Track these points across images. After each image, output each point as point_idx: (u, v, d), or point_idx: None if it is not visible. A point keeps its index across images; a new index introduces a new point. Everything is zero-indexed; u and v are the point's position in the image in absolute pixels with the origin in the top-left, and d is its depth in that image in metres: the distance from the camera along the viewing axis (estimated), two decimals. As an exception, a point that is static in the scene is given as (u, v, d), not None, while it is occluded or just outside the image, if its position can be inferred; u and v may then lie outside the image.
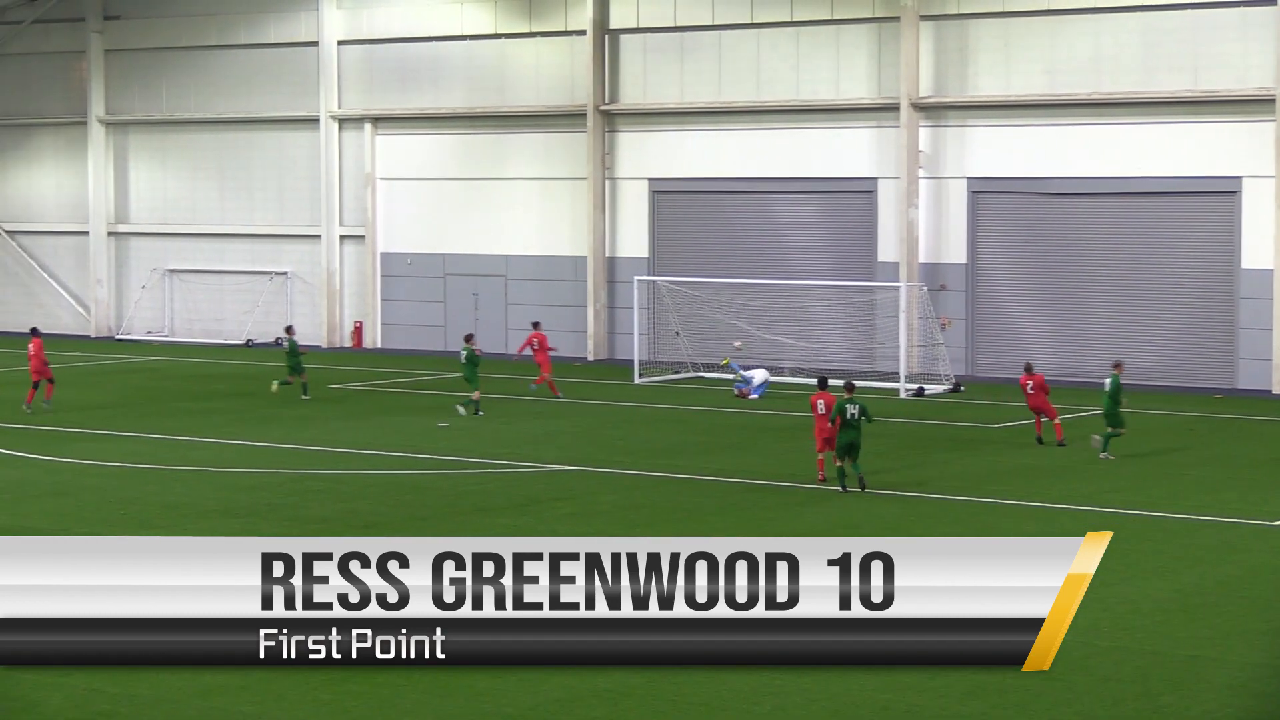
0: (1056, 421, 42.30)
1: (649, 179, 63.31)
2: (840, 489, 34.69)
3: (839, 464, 34.84)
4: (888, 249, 59.16)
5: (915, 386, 53.67)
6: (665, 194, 63.19)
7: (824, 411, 35.68)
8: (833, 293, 59.16)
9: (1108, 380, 40.62)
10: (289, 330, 53.66)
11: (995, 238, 58.22)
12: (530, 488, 35.71)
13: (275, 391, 51.96)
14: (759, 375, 53.09)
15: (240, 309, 71.25)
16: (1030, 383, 42.69)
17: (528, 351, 53.24)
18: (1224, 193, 54.47)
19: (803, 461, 37.71)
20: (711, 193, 62.31)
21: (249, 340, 70.28)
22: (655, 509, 33.27)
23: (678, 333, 59.04)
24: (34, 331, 51.26)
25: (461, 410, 47.31)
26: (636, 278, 60.08)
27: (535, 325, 55.17)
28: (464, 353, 48.66)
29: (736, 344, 56.00)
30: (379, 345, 68.39)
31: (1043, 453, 41.30)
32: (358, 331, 68.78)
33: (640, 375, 56.79)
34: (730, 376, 54.31)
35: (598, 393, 53.90)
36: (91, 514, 32.58)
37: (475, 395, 47.44)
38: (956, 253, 58.47)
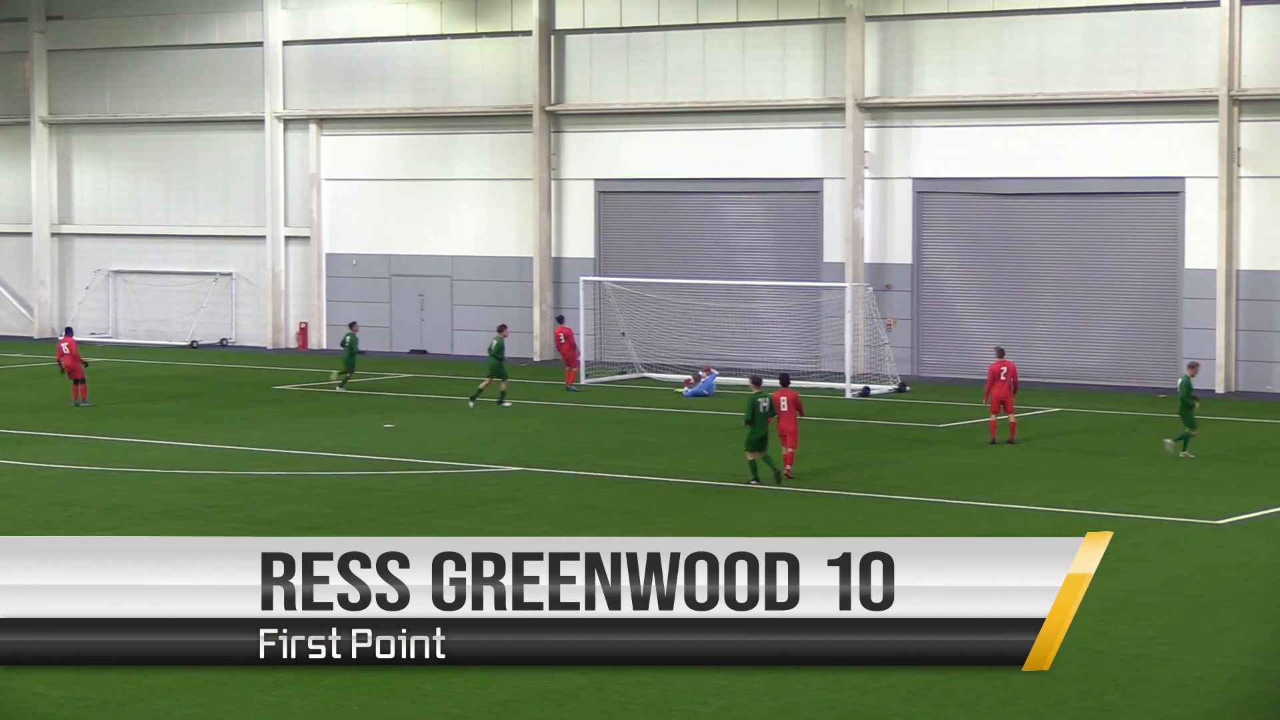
0: (1013, 419, 42.32)
1: (595, 179, 63.27)
2: (754, 481, 35.18)
3: (751, 458, 35.22)
4: (833, 249, 59.21)
5: (861, 387, 53.74)
6: (611, 194, 63.14)
7: (786, 409, 36.05)
8: (778, 293, 59.26)
9: (1179, 381, 40.92)
10: (353, 326, 55.68)
11: (941, 238, 58.36)
12: (477, 488, 35.60)
13: (337, 383, 53.80)
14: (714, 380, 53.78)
15: (185, 310, 70.86)
16: (1004, 369, 42.52)
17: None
18: (1168, 193, 54.70)
19: (734, 464, 37.64)
20: (657, 193, 62.27)
21: (193, 341, 69.92)
22: (602, 509, 33.23)
23: (624, 333, 58.99)
24: (68, 331, 53.15)
25: (508, 404, 49.32)
26: (582, 278, 60.02)
27: (560, 320, 57.24)
28: (495, 342, 50.47)
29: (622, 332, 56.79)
30: (324, 346, 68.12)
31: (989, 452, 41.39)
32: (303, 332, 68.50)
33: (586, 376, 56.74)
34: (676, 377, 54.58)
35: (544, 394, 53.83)
36: (34, 516, 32.38)
37: (504, 385, 49.54)
38: (902, 253, 58.58)
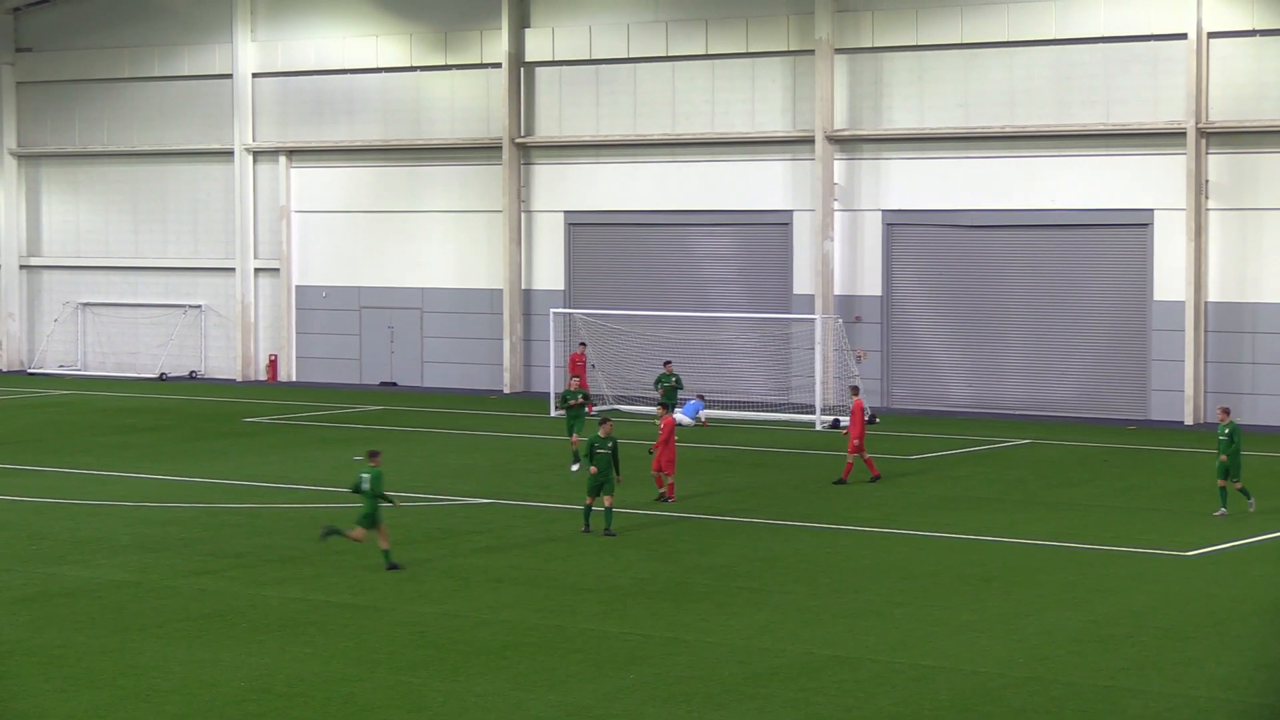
0: (868, 457, 41.39)
1: (565, 211, 63.26)
2: (584, 529, 33.95)
3: (590, 503, 34.10)
4: (803, 281, 59.29)
5: (831, 418, 53.73)
6: (581, 226, 63.14)
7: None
8: (748, 325, 59.32)
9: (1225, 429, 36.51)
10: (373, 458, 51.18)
11: (910, 270, 58.42)
12: (446, 520, 35.53)
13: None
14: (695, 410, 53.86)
15: (154, 342, 70.63)
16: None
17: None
18: (1136, 225, 54.83)
19: (704, 495, 37.61)
20: (627, 225, 62.27)
21: (163, 374, 69.70)
22: (572, 542, 33.20)
23: (594, 365, 58.90)
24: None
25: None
26: (552, 310, 60.01)
27: (582, 345, 57.34)
28: (666, 379, 50.90)
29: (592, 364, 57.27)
30: (294, 378, 67.94)
31: (959, 484, 41.42)
32: (273, 365, 68.33)
33: (556, 408, 56.33)
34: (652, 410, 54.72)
35: (514, 425, 53.76)
36: (2, 549, 32.22)
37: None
38: (872, 285, 58.62)
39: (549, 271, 63.65)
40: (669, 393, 50.41)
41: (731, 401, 56.66)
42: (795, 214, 59.47)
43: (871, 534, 34.27)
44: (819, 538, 33.84)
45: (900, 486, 41.00)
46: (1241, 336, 53.70)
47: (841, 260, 58.82)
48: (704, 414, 53.75)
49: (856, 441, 41.02)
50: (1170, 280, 54.34)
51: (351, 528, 30.39)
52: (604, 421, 34.43)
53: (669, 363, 51.57)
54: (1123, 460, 45.33)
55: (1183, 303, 53.95)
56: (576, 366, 55.97)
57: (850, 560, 31.44)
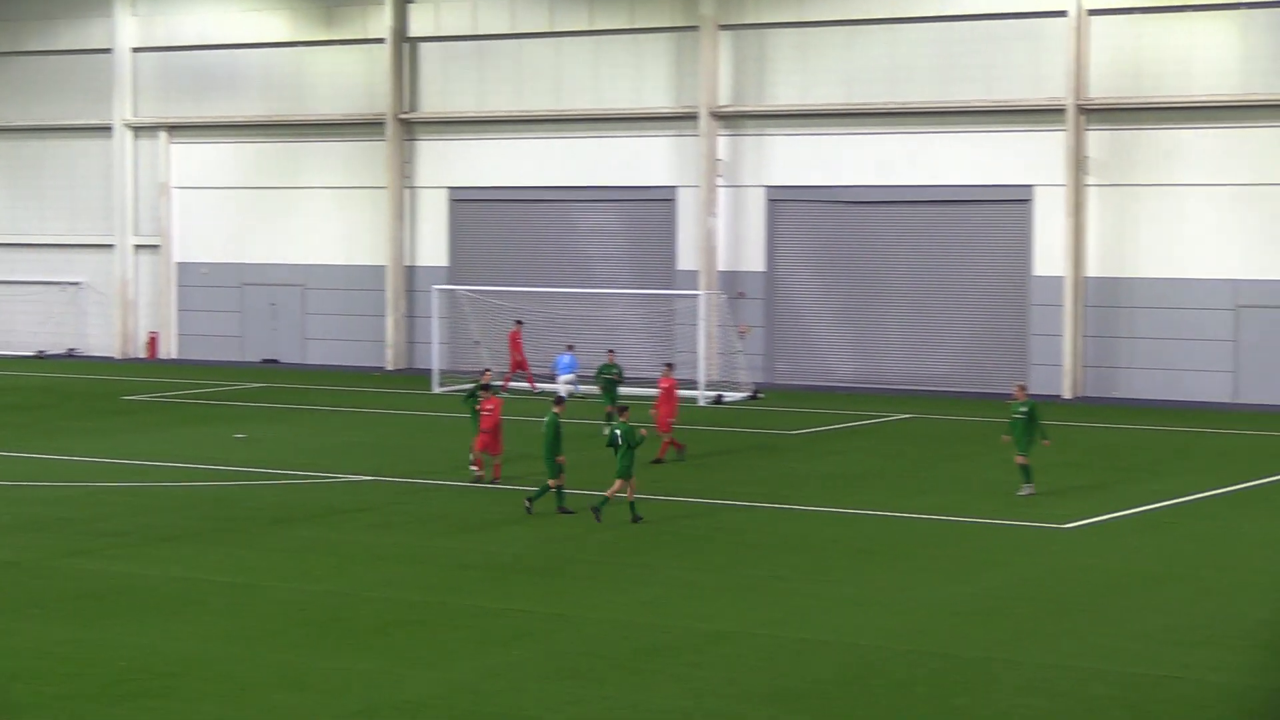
0: (669, 438, 40.68)
1: (449, 187, 63.05)
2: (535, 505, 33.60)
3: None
4: (687, 257, 59.43)
5: (714, 394, 53.91)
6: (465, 203, 62.97)
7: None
8: (632, 301, 59.37)
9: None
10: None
11: (793, 245, 58.61)
12: (330, 498, 35.31)
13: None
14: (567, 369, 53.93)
15: (32, 320, 69.89)
16: (666, 385, 41.21)
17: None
18: (1016, 201, 55.25)
19: (593, 471, 37.77)
20: (512, 201, 62.17)
21: (40, 352, 69.06)
22: (454, 519, 33.11)
23: (477, 341, 58.80)
24: None
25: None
26: (435, 286, 59.82)
27: (518, 324, 56.41)
28: (608, 370, 46.92)
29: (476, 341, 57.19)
30: (175, 356, 67.44)
31: (842, 459, 41.67)
32: (152, 342, 67.79)
33: (440, 384, 56.52)
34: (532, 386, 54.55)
35: (397, 402, 53.61)
36: (-121, 531, 31.65)
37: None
38: (755, 260, 58.83)
39: (432, 248, 63.47)
40: (609, 385, 46.35)
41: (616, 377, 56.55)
42: (679, 190, 59.58)
43: (757, 509, 34.22)
44: (703, 514, 33.80)
45: (784, 461, 41.07)
46: (1119, 311, 54.22)
47: (725, 236, 59.00)
48: (578, 387, 53.58)
49: (670, 420, 40.62)
50: (1050, 255, 54.80)
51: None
52: (623, 410, 34.06)
53: (612, 351, 49.25)
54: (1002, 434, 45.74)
55: (1062, 278, 54.41)
56: (515, 345, 55.95)
57: (735, 536, 31.43)
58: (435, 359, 57.57)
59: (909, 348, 56.94)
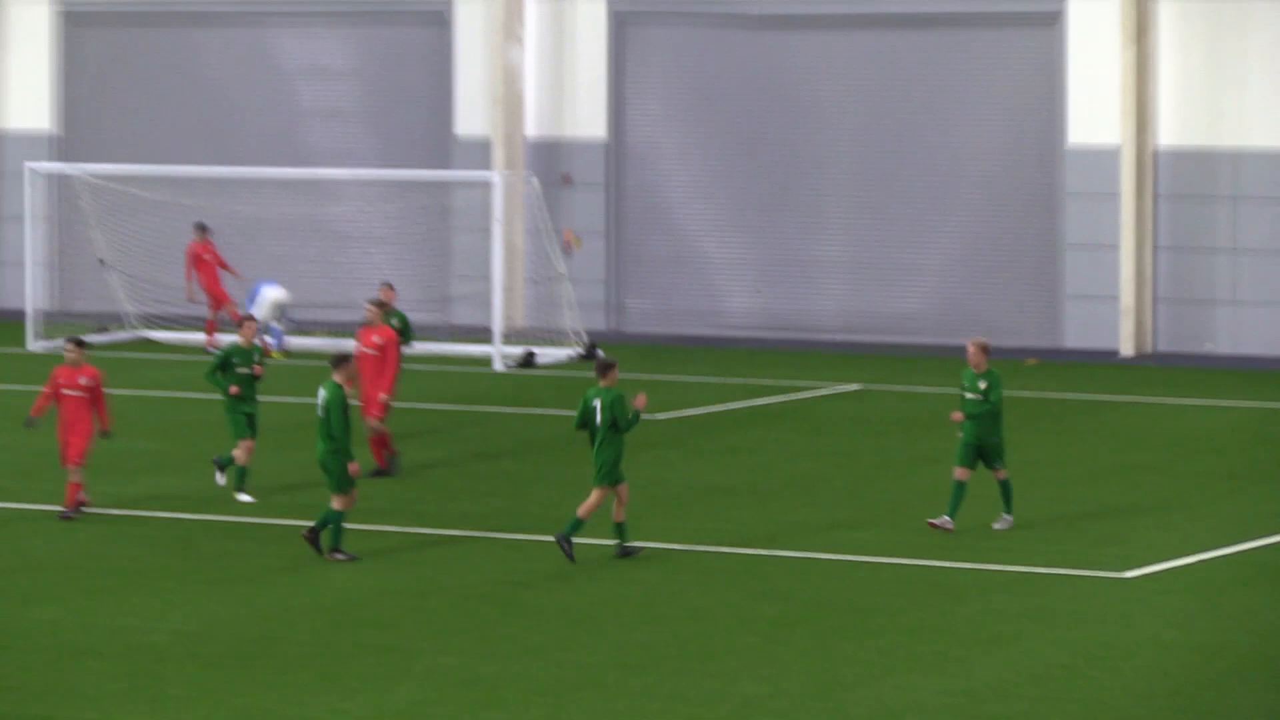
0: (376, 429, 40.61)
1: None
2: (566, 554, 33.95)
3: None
4: (472, 117, 59.43)
5: (521, 351, 53.92)
6: (85, 26, 62.84)
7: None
8: (378, 191, 59.34)
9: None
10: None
11: (656, 98, 58.68)
12: None
13: None
14: (267, 301, 53.93)
15: None
16: (378, 338, 40.61)
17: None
18: (1038, 22, 55.81)
19: (299, 491, 37.57)
20: (167, 24, 62.21)
21: None
22: (91, 568, 33.74)
23: (103, 261, 58.71)
24: None
25: None
26: (29, 165, 59.14)
27: (201, 232, 56.15)
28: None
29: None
30: None
31: (740, 462, 41.51)
32: None
33: (39, 336, 56.09)
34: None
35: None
36: None
37: None
38: (590, 124, 59.02)
39: (27, 102, 63.27)
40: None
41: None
42: (457, 3, 59.64)
43: (595, 548, 34.18)
44: (502, 558, 34.15)
45: (643, 466, 40.49)
46: (1215, 207, 54.34)
47: (539, 80, 59.01)
48: (279, 337, 53.66)
49: (385, 398, 40.24)
50: (1095, 113, 55.25)
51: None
52: (607, 368, 34.46)
53: (389, 287, 47.93)
54: (1020, 417, 45.31)
55: (1116, 149, 54.67)
56: (203, 265, 55.82)
57: (554, 596, 31.83)
58: (31, 293, 57.06)
59: (856, 274, 56.98)
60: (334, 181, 59.68)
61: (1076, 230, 55.24)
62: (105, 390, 36.52)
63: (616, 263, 58.69)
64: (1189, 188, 54.63)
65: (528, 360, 53.65)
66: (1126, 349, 54.52)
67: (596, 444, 33.46)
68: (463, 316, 56.84)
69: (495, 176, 55.97)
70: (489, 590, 31.93)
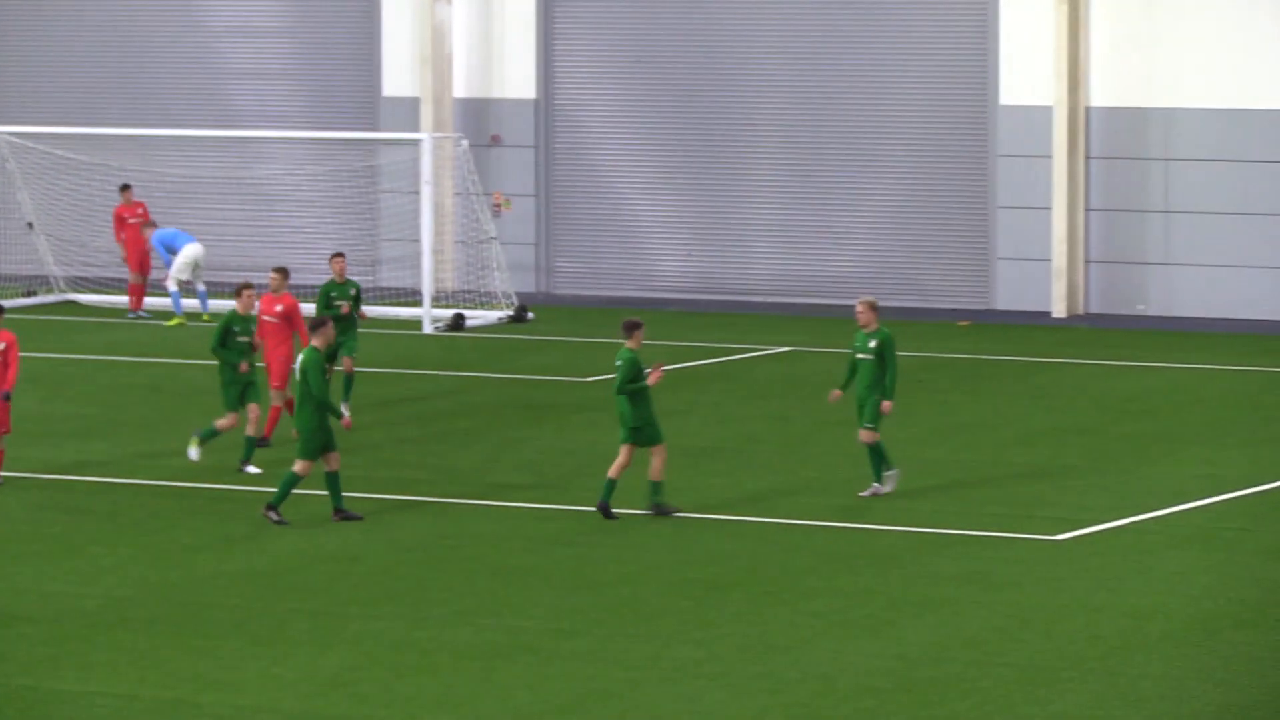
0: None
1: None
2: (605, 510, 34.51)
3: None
4: (399, 77, 59.48)
5: (451, 314, 53.96)
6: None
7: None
8: (306, 151, 59.55)
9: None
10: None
11: (586, 58, 58.74)
12: None
13: None
14: (189, 260, 53.81)
15: None
16: (280, 307, 40.16)
17: None
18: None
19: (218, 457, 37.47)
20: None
21: None
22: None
23: (30, 225, 58.54)
24: None
25: None
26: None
27: (125, 193, 55.77)
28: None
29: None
30: None
31: (674, 425, 40.78)
32: None
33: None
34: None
35: None
36: None
37: None
38: (520, 84, 58.96)
39: None
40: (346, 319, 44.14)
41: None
42: None
43: (521, 513, 34.63)
44: (432, 523, 34.25)
45: (572, 433, 41.61)
46: (1148, 168, 54.52)
47: (468, 39, 59.02)
48: (205, 302, 53.44)
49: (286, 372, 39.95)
50: (1028, 71, 55.38)
51: None
52: (633, 328, 34.73)
53: (340, 256, 47.17)
54: (946, 376, 45.42)
55: (1049, 109, 54.75)
56: (126, 227, 55.47)
57: (481, 560, 31.90)
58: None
59: (787, 236, 57.21)
60: (261, 142, 59.76)
61: (1008, 191, 55.30)
62: (19, 354, 36.03)
63: (546, 224, 58.68)
64: (1121, 148, 54.70)
65: (457, 323, 53.48)
66: (1059, 310, 54.55)
67: (620, 404, 33.94)
68: (391, 279, 56.67)
69: (424, 137, 55.92)
70: (419, 555, 32.00)
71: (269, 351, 39.39)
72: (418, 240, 54.76)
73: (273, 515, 33.27)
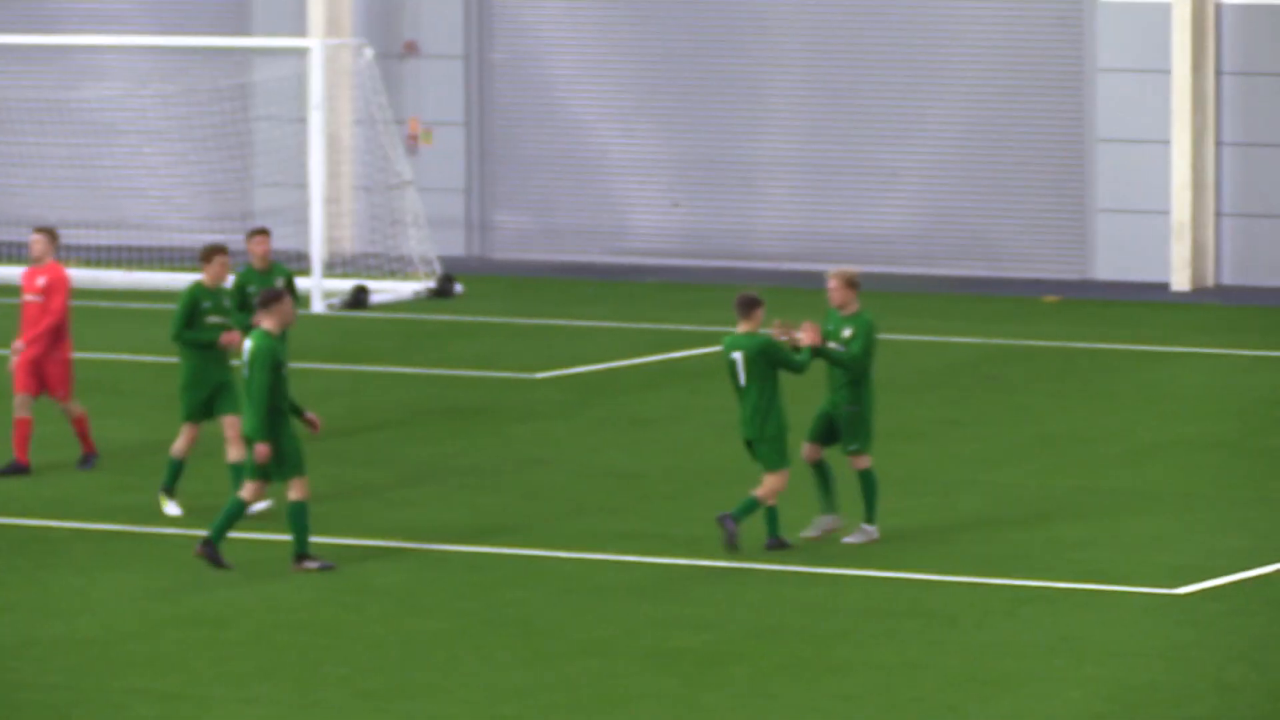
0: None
1: None
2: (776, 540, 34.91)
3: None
4: None
5: (352, 285, 54.52)
6: None
7: None
8: (151, 65, 60.05)
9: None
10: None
11: None
12: None
13: None
14: None
15: None
16: (42, 280, 40.47)
17: None
18: None
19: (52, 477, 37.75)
20: None
21: None
22: None
23: None
24: None
25: None
26: None
27: None
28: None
29: None
30: None
31: (653, 436, 41.97)
32: None
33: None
34: None
35: None
36: None
37: None
38: None
39: None
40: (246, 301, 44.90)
41: (120, 250, 56.30)
42: None
43: (449, 557, 35.38)
44: (325, 573, 34.02)
45: (519, 444, 42.63)
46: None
47: None
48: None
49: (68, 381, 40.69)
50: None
51: None
52: (750, 306, 35.84)
53: (264, 233, 47.69)
54: (1019, 370, 45.75)
55: (1168, 6, 54.77)
56: None
57: (395, 624, 32.19)
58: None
59: (810, 180, 57.78)
60: (91, 53, 60.30)
61: (1111, 119, 55.75)
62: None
63: (481, 164, 59.11)
64: (1265, 61, 55.02)
65: (358, 299, 54.10)
66: (1180, 281, 55.06)
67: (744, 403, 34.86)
68: (275, 240, 56.96)
69: (313, 44, 56.20)
70: (305, 616, 32.17)
71: (40, 365, 39.79)
72: (304, 185, 55.15)
73: (311, 565, 33.95)
